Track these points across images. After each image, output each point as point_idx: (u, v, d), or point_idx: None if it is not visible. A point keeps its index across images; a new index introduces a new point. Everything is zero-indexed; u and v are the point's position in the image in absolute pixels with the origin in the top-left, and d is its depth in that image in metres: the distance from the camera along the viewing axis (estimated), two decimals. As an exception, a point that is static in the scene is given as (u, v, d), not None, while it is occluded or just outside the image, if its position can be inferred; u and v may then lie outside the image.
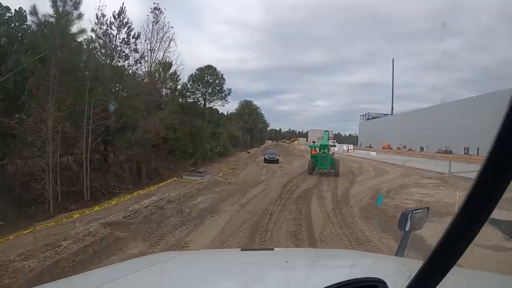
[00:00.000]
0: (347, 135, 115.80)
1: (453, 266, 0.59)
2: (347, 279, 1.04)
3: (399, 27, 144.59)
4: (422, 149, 65.79)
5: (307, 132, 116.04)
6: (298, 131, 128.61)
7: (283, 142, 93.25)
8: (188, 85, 39.49)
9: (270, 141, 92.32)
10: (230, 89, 42.88)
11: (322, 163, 18.61)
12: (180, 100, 33.36)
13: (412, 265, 0.95)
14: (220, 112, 67.47)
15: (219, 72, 42.15)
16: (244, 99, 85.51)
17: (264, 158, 27.96)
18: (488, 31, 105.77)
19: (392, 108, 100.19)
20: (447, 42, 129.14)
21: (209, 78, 41.24)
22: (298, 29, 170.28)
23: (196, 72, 40.76)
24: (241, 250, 2.18)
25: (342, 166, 20.85)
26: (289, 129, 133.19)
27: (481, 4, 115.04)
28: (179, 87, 31.76)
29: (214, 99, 42.22)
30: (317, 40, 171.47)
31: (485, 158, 0.50)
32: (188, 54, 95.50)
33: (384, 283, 1.01)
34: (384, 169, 24.36)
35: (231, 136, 59.40)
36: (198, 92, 40.97)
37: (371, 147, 74.37)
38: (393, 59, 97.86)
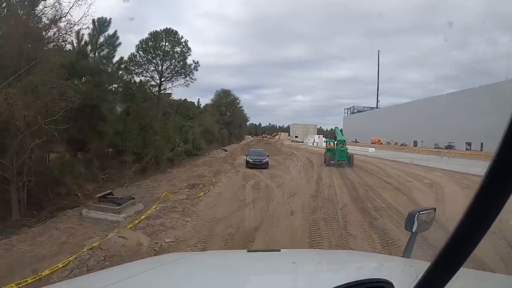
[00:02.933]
0: (328, 129, 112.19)
1: (460, 267, 0.58)
2: (354, 280, 1.03)
3: (380, 23, 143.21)
4: (416, 144, 60.44)
5: (289, 126, 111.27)
6: (279, 126, 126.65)
7: (265, 137, 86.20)
8: (138, 56, 29.49)
9: (250, 136, 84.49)
10: (198, 62, 32.07)
11: (341, 156, 20.81)
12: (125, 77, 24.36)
13: (419, 266, 0.96)
14: (190, 101, 59.24)
15: (181, 37, 31.22)
16: (221, 88, 76.91)
17: (247, 161, 19.92)
18: (468, 28, 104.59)
19: (378, 101, 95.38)
20: (428, 39, 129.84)
21: (167, 47, 30.56)
22: (278, 24, 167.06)
23: (149, 37, 30.10)
24: (248, 251, 2.32)
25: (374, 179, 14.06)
26: (269, 124, 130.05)
27: (462, 1, 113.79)
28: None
29: (174, 78, 31.65)
30: (297, 34, 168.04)
31: (493, 158, 0.50)
32: None
33: (391, 284, 1.01)
34: (427, 177, 17.10)
35: (205, 131, 51.61)
36: (151, 66, 30.56)
37: (357, 141, 69.04)
38: (378, 51, 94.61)
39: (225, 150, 42.99)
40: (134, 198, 11.21)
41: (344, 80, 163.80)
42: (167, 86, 31.30)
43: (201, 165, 24.09)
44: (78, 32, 19.79)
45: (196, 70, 31.32)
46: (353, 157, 21.23)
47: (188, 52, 30.51)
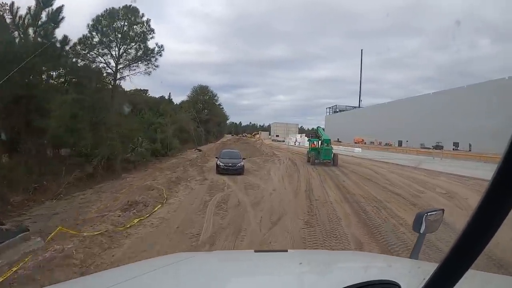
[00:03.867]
0: (310, 128, 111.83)
1: (468, 269, 0.57)
2: (361, 281, 1.03)
3: (362, 23, 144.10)
4: (400, 143, 58.58)
5: (269, 125, 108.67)
6: (260, 125, 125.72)
7: (245, 136, 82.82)
8: (90, 38, 24.57)
9: (230, 136, 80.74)
10: (162, 46, 27.56)
11: (326, 155, 20.65)
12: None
13: (427, 268, 1.00)
14: (161, 97, 54.54)
15: (142, 16, 26.27)
16: (199, 84, 72.23)
17: (217, 165, 15.98)
18: (449, 31, 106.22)
19: (360, 100, 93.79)
20: (409, 41, 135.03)
21: (125, 27, 25.26)
22: (260, 23, 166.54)
23: (104, 15, 24.76)
24: (255, 251, 2.16)
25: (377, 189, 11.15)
26: (250, 123, 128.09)
27: (443, 4, 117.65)
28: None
29: (134, 64, 26.88)
30: (279, 34, 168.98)
31: (501, 159, 0.49)
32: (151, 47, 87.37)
33: (398, 285, 1.01)
34: (437, 184, 13.97)
35: (180, 129, 46.55)
36: (105, 48, 25.49)
37: (340, 141, 66.73)
38: (361, 50, 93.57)
39: (199, 150, 39.25)
40: (28, 230, 7.14)
41: (326, 80, 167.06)
42: (126, 74, 26.68)
43: (166, 169, 20.09)
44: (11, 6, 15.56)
45: (160, 55, 26.93)
46: (337, 156, 21.19)
47: (150, 33, 26.04)
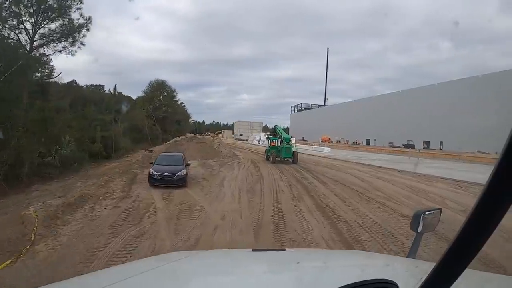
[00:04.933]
0: (274, 127, 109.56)
1: (466, 269, 0.57)
2: (358, 280, 1.02)
3: (327, 25, 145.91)
4: (368, 142, 56.99)
5: (233, 124, 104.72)
6: (223, 124, 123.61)
7: (208, 135, 78.17)
8: None
9: (192, 134, 75.76)
10: (90, 17, 21.57)
11: (287, 153, 20.68)
12: None
13: (424, 267, 0.97)
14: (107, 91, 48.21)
15: None
16: (156, 78, 65.49)
17: (150, 175, 11.27)
18: (411, 34, 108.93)
19: (325, 99, 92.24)
20: (372, 43, 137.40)
21: None
22: (226, 21, 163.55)
23: None
24: (253, 250, 2.02)
25: (375, 208, 5.97)
26: (213, 121, 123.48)
27: (406, 8, 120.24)
28: None
29: (52, 40, 20.69)
30: (245, 33, 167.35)
31: (499, 159, 0.49)
32: (114, 43, 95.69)
33: (395, 285, 0.99)
34: (440, 194, 10.48)
35: (133, 127, 42.05)
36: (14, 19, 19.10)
37: (305, 140, 64.27)
38: (328, 48, 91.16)
39: (150, 151, 34.17)
40: None
41: (291, 79, 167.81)
42: (48, 53, 20.71)
43: (94, 177, 15.00)
44: None
45: (88, 30, 21.15)
46: (297, 154, 21.29)
47: (76, 3, 20.21)
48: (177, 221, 7.09)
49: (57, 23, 20.33)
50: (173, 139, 45.99)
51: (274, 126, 27.54)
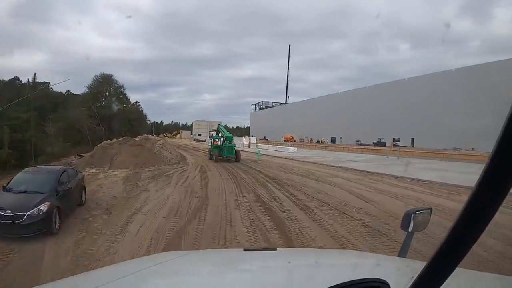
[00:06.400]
0: (235, 127, 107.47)
1: (456, 267, 0.58)
2: (350, 279, 1.01)
3: (288, 25, 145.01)
4: (334, 140, 54.22)
5: (192, 124, 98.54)
6: (182, 124, 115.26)
7: (165, 135, 72.13)
8: None
9: (149, 136, 68.49)
10: None
11: (229, 152, 20.77)
12: None
13: (415, 266, 0.97)
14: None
15: None
16: (102, 72, 56.62)
17: None
18: (371, 34, 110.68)
19: (287, 97, 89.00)
20: (332, 43, 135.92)
21: None
22: (187, 20, 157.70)
23: None
24: (244, 250, 1.97)
25: None
26: (172, 122, 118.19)
27: (367, 10, 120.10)
28: None
29: None
30: (206, 32, 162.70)
31: (489, 158, 0.49)
32: (73, 41, 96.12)
33: (387, 284, 0.99)
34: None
35: (70, 127, 38.56)
36: None
37: (267, 139, 60.36)
38: (289, 45, 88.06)
39: (81, 156, 28.43)
40: None
41: (252, 79, 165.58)
42: None
43: None
44: None
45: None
46: (239, 152, 21.58)
47: None
48: None
49: None
50: (102, 143, 38.71)
51: (218, 125, 27.15)
